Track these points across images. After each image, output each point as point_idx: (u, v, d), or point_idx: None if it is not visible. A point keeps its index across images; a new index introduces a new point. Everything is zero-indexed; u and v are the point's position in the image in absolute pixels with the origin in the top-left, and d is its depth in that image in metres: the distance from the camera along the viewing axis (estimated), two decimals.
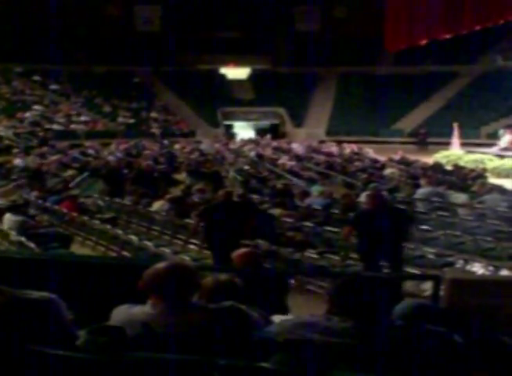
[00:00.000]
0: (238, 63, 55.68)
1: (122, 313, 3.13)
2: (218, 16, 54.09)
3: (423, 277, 7.67)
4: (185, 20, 53.31)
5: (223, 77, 56.28)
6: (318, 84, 56.05)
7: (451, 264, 10.26)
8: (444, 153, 33.12)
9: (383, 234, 8.94)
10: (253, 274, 5.52)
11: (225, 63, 55.82)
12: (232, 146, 38.73)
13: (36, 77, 51.86)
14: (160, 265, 3.17)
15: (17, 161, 25.76)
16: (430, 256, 10.85)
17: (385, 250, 9.12)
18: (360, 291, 2.93)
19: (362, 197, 15.90)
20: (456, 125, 34.93)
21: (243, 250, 6.38)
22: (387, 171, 24.12)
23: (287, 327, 2.97)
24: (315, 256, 10.07)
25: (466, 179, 21.29)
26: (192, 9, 52.85)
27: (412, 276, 8.50)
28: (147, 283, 3.11)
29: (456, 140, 34.59)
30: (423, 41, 38.60)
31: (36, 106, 45.41)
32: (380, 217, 9.18)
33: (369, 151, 33.95)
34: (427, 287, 6.75)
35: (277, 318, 4.38)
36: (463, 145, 34.57)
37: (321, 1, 54.48)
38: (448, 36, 33.58)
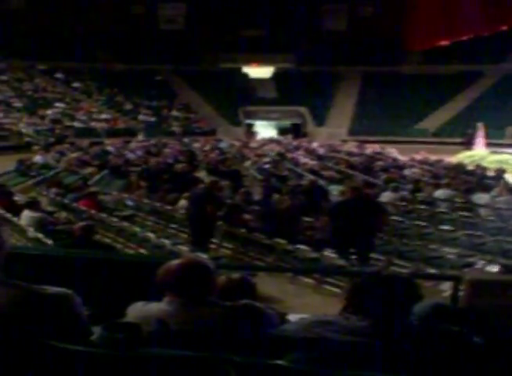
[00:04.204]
0: (261, 61, 55.76)
1: (138, 310, 3.11)
2: (243, 14, 54.25)
3: (442, 277, 7.61)
4: (210, 19, 53.43)
5: (246, 75, 56.23)
6: (341, 83, 55.98)
7: (471, 265, 10.18)
8: (467, 153, 32.90)
9: (357, 224, 9.86)
10: None
11: (249, 62, 55.90)
12: (252, 144, 38.65)
13: (59, 75, 52.26)
14: (175, 261, 3.13)
15: (37, 158, 25.91)
16: (451, 256, 10.78)
17: (358, 240, 10.04)
18: (378, 290, 2.88)
19: (383, 197, 15.88)
20: (480, 125, 34.70)
21: None
22: (409, 171, 23.97)
23: (305, 325, 2.92)
24: (333, 255, 10.00)
25: (487, 179, 21.13)
26: (217, 8, 53.02)
27: (432, 276, 8.44)
28: (162, 280, 3.09)
29: (480, 140, 34.37)
30: (447, 42, 38.43)
31: (58, 104, 45.72)
32: (355, 208, 10.13)
33: (392, 151, 33.70)
34: (447, 287, 6.69)
35: (293, 317, 4.35)
36: (488, 145, 34.36)
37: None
38: (472, 36, 33.38)
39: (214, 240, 12.30)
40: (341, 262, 9.73)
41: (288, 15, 53.32)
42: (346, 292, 3.03)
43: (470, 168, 25.19)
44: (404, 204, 16.01)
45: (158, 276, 3.11)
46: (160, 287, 3.09)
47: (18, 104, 43.81)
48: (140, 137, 39.08)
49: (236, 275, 4.15)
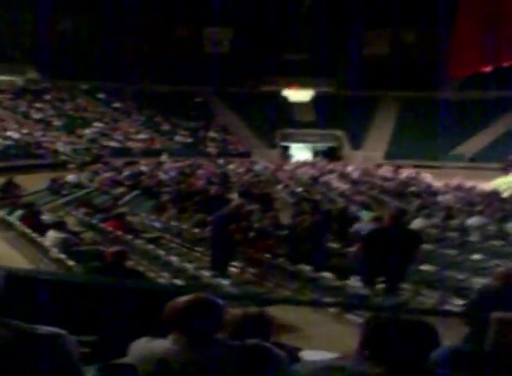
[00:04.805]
0: (301, 85, 55.94)
1: (141, 347, 3.01)
2: (287, 38, 54.60)
3: (465, 316, 7.19)
4: (254, 43, 53.93)
5: (285, 99, 56.44)
6: (380, 107, 55.88)
7: None
8: (504, 179, 32.44)
9: (392, 253, 9.61)
10: None
11: (289, 85, 56.07)
12: (286, 167, 38.55)
13: (100, 95, 52.90)
14: (182, 299, 3.03)
15: (70, 177, 26.09)
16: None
17: (390, 269, 9.81)
18: (395, 335, 2.69)
19: (415, 224, 15.60)
20: None
21: None
22: (442, 197, 23.64)
23: (313, 370, 2.79)
24: (357, 284, 9.75)
25: None
26: (262, 32, 53.38)
27: (454, 314, 8.03)
28: (168, 317, 2.98)
29: None
30: (489, 68, 38.09)
31: (96, 123, 46.22)
32: (392, 236, 9.90)
33: (427, 176, 33.33)
34: None
35: (307, 353, 4.18)
36: None
37: (390, 25, 54.43)
38: None
39: (236, 265, 12.16)
40: (366, 291, 9.49)
41: (330, 39, 53.48)
42: (360, 335, 2.84)
43: (506, 195, 24.76)
44: (435, 231, 15.67)
45: (164, 313, 3.01)
46: (166, 324, 2.99)
47: (57, 123, 44.42)
48: (164, 158, 39.10)
49: (253, 309, 4.00)
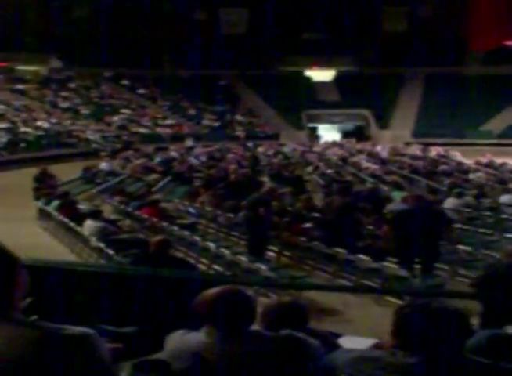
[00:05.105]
0: (323, 64, 55.60)
1: (176, 341, 3.00)
2: (304, 18, 54.21)
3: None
4: (271, 23, 53.51)
5: (308, 79, 56.13)
6: (404, 85, 55.41)
7: None
8: None
9: (421, 234, 9.60)
10: None
11: (311, 65, 55.75)
12: (315, 149, 38.46)
13: (124, 82, 53.12)
14: (212, 291, 3.01)
15: (103, 165, 26.29)
16: None
17: (422, 249, 9.88)
18: (426, 324, 2.61)
19: (447, 203, 15.58)
20: None
21: None
22: (474, 175, 23.49)
23: (348, 360, 2.76)
24: (393, 266, 9.82)
25: None
26: (279, 11, 53.02)
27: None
28: (199, 311, 2.98)
29: None
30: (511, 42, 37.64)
31: (123, 110, 46.46)
32: (418, 217, 9.89)
33: (457, 154, 32.97)
34: None
35: (345, 340, 4.24)
36: None
37: (408, 1, 53.86)
38: None
39: (274, 249, 12.27)
40: (403, 273, 9.56)
41: (349, 17, 53.02)
42: (391, 324, 2.75)
43: None
44: (468, 210, 15.63)
45: (194, 307, 3.00)
46: (197, 317, 2.98)
47: (85, 111, 44.75)
48: (189, 143, 39.13)
49: (286, 298, 4.07)
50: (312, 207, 14.91)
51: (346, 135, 51.21)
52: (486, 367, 2.60)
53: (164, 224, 13.85)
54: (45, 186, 19.43)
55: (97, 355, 2.26)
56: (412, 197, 11.12)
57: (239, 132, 47.47)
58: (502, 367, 2.64)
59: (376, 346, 3.40)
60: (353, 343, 4.00)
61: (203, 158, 30.81)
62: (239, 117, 51.16)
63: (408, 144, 40.74)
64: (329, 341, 3.67)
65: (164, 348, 3.03)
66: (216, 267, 10.95)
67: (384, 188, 19.51)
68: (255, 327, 3.18)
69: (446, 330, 2.59)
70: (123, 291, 4.85)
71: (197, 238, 12.36)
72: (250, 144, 39.76)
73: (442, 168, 25.78)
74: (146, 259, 8.17)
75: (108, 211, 17.00)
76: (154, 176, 23.99)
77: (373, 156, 32.64)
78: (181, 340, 3.00)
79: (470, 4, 46.40)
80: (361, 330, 6.77)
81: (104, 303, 4.67)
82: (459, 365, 2.57)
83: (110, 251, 10.45)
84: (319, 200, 17.24)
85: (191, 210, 17.55)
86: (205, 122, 49.14)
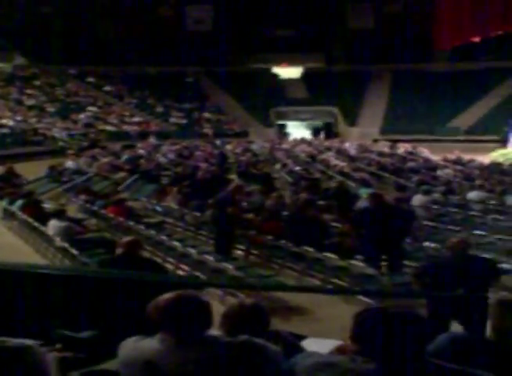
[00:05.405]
0: (291, 62, 55.61)
1: (129, 348, 2.92)
2: (270, 14, 54.19)
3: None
4: (237, 19, 53.49)
5: (276, 76, 56.17)
6: (371, 82, 55.64)
7: (506, 272, 9.84)
8: (502, 151, 32.39)
9: (382, 231, 9.71)
10: None
11: (278, 63, 55.79)
12: (284, 146, 38.45)
13: (90, 79, 52.69)
14: (165, 296, 2.93)
15: (69, 164, 25.87)
16: None
17: (386, 247, 9.94)
18: (384, 329, 2.55)
19: (415, 200, 15.60)
20: None
21: None
22: (442, 172, 23.61)
23: (307, 366, 2.69)
24: (361, 264, 9.76)
25: None
26: (244, 8, 53.00)
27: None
28: (152, 317, 2.89)
29: None
30: (477, 38, 38.00)
31: (90, 108, 46.04)
32: (378, 215, 9.94)
33: (424, 151, 33.23)
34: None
35: (308, 343, 4.15)
36: None
37: None
38: (502, 32, 33.04)
39: (241, 247, 12.18)
40: (371, 271, 9.51)
41: (315, 14, 53.12)
42: (350, 330, 2.70)
43: (505, 167, 24.73)
44: (436, 207, 15.67)
45: (148, 313, 2.92)
46: (151, 323, 2.89)
47: (51, 109, 44.24)
48: (152, 140, 38.90)
49: (248, 300, 3.97)
50: (283, 204, 14.85)
51: (317, 131, 51.34)
52: (448, 371, 2.56)
53: (131, 223, 13.66)
54: (9, 185, 19.17)
55: (37, 367, 2.21)
56: (370, 196, 11.12)
57: (207, 130, 47.32)
58: (465, 371, 2.60)
59: (339, 349, 3.37)
60: (317, 345, 3.95)
61: (171, 156, 30.60)
62: (207, 115, 51.00)
63: (376, 141, 40.94)
64: (291, 345, 3.63)
65: (118, 354, 2.94)
66: (183, 266, 10.82)
67: (352, 185, 19.52)
68: (215, 331, 3.12)
69: (404, 335, 2.53)
70: (90, 295, 4.73)
71: (164, 237, 12.22)
72: (218, 142, 39.62)
73: (410, 164, 25.94)
74: (115, 261, 7.95)
75: (74, 210, 16.77)
76: (121, 174, 23.74)
77: (341, 153, 32.72)
78: (134, 347, 2.92)
79: (436, 1, 46.74)
80: (328, 330, 6.72)
81: (70, 307, 4.56)
82: (420, 370, 2.52)
83: (75, 251, 10.24)
84: (287, 197, 17.15)
85: (158, 208, 17.42)
86: (173, 120, 48.96)
